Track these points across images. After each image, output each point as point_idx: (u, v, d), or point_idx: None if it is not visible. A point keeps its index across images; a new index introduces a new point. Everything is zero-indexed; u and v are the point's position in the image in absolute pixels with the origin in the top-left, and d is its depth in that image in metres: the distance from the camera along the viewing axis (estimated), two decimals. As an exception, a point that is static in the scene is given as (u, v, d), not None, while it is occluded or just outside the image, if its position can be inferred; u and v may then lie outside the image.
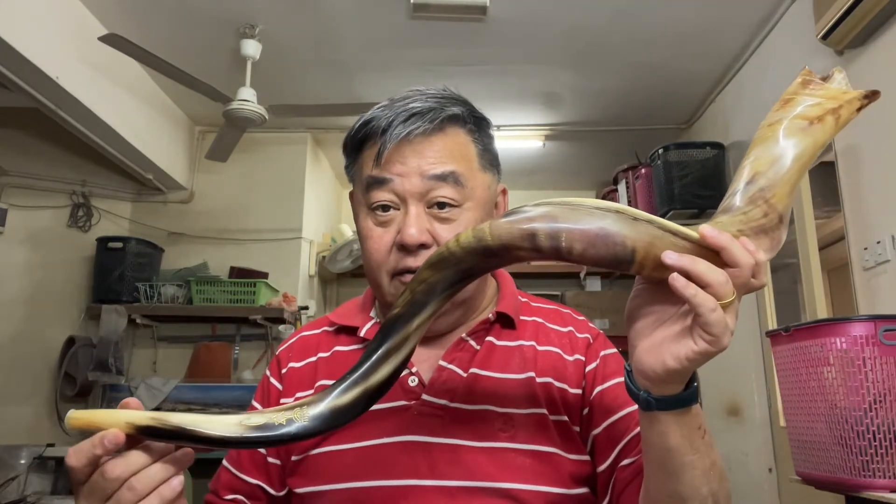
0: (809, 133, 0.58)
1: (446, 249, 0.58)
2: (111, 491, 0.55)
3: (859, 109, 0.60)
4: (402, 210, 0.78)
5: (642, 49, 2.85)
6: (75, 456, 0.56)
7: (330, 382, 0.82)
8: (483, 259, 0.57)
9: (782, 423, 2.18)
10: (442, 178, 0.78)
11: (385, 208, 0.79)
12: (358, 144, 0.83)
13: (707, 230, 0.54)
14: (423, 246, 0.77)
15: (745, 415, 2.89)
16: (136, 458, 0.56)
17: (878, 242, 1.95)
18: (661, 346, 0.57)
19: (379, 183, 0.78)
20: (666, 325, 0.57)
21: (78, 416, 0.56)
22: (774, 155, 0.57)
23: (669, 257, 0.52)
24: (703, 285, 0.52)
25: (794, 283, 2.57)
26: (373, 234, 0.80)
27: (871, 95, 0.61)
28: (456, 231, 0.78)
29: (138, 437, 0.56)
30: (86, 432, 0.56)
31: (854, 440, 1.40)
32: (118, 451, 0.56)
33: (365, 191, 0.80)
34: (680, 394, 0.58)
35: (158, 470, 0.57)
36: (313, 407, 0.58)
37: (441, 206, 0.78)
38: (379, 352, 0.60)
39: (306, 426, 0.57)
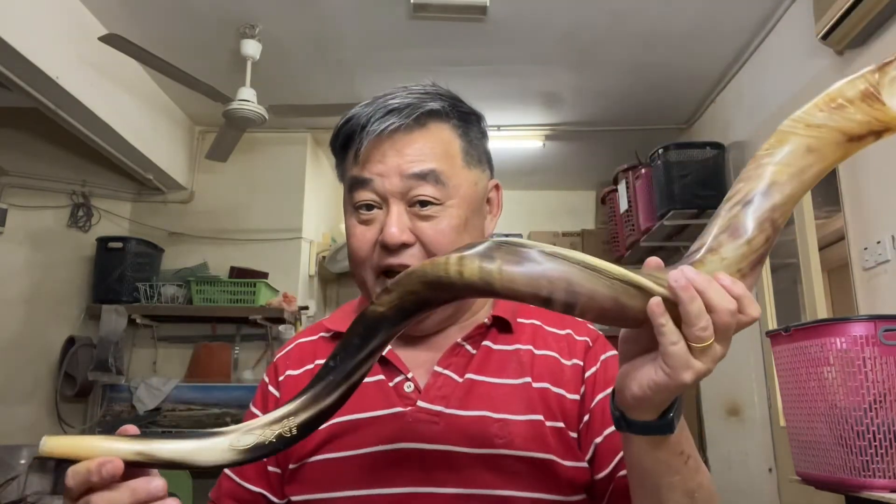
0: (842, 149, 0.52)
1: (446, 275, 0.54)
2: None
3: None
4: (385, 209, 0.78)
5: (642, 49, 2.85)
6: (73, 477, 0.54)
7: None
8: (481, 294, 0.55)
9: (782, 423, 2.18)
10: (421, 176, 0.77)
11: (368, 207, 0.79)
12: (342, 143, 0.83)
13: (686, 274, 0.51)
14: (405, 245, 0.77)
15: (745, 415, 2.89)
16: (122, 498, 0.54)
17: (878, 242, 1.95)
18: (635, 371, 0.57)
19: (360, 183, 0.78)
20: (648, 353, 0.57)
21: (56, 443, 0.53)
22: (801, 165, 0.52)
23: (677, 281, 0.51)
24: (684, 323, 0.51)
25: (794, 283, 2.57)
26: (356, 231, 0.80)
27: None
28: (438, 230, 0.77)
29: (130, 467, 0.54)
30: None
31: (854, 440, 1.40)
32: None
33: (349, 190, 0.81)
34: (651, 422, 0.58)
35: None
36: (300, 416, 0.58)
37: (423, 204, 0.78)
38: (364, 351, 0.59)
39: (296, 435, 0.57)
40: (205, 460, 0.55)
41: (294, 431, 0.57)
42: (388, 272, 0.78)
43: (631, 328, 0.55)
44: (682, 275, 0.51)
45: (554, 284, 0.51)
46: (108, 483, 0.53)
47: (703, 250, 0.54)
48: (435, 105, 0.79)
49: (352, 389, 0.59)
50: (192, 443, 0.55)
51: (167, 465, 0.54)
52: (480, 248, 0.54)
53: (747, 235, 0.52)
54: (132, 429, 0.57)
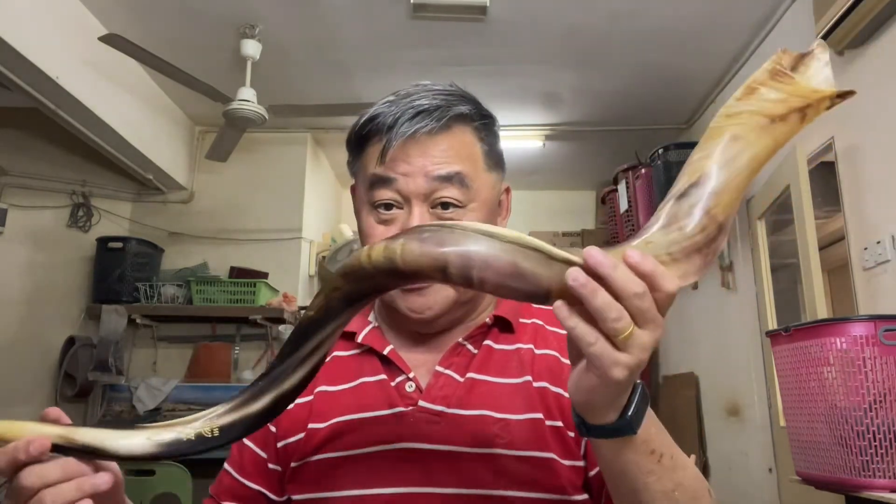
0: (769, 132, 0.52)
1: (358, 261, 0.54)
2: (24, 499, 0.56)
3: (829, 107, 0.54)
4: (406, 210, 0.77)
5: (642, 49, 2.85)
6: (2, 456, 0.56)
7: (331, 388, 0.82)
8: (393, 279, 0.54)
9: (782, 423, 2.18)
10: (447, 178, 0.76)
11: (388, 207, 0.78)
12: (362, 140, 0.81)
13: (592, 256, 0.49)
14: None
15: (745, 415, 2.89)
16: (52, 471, 0.56)
17: (878, 242, 1.95)
18: (577, 375, 0.55)
19: (383, 181, 0.77)
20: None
21: None
22: (729, 155, 0.52)
23: (575, 280, 0.49)
24: (596, 319, 0.49)
25: (794, 283, 2.57)
26: (374, 231, 0.79)
27: (845, 95, 0.53)
28: None
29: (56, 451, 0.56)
30: None
31: (854, 440, 1.40)
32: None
33: (368, 188, 0.79)
34: (608, 424, 0.56)
35: (71, 489, 0.56)
36: (224, 417, 0.57)
37: (445, 206, 0.77)
38: (293, 356, 0.58)
39: (217, 437, 0.57)
40: (120, 448, 0.56)
41: (216, 433, 0.57)
42: None
43: (541, 304, 0.52)
44: (579, 272, 0.49)
45: (448, 253, 0.51)
46: (34, 460, 0.55)
47: (637, 239, 0.52)
48: (463, 108, 0.79)
49: (284, 397, 0.58)
50: (112, 431, 0.57)
51: (84, 449, 0.56)
52: (396, 233, 0.55)
53: (679, 223, 0.51)
54: (54, 412, 0.58)
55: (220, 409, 0.58)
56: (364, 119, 0.80)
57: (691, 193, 0.51)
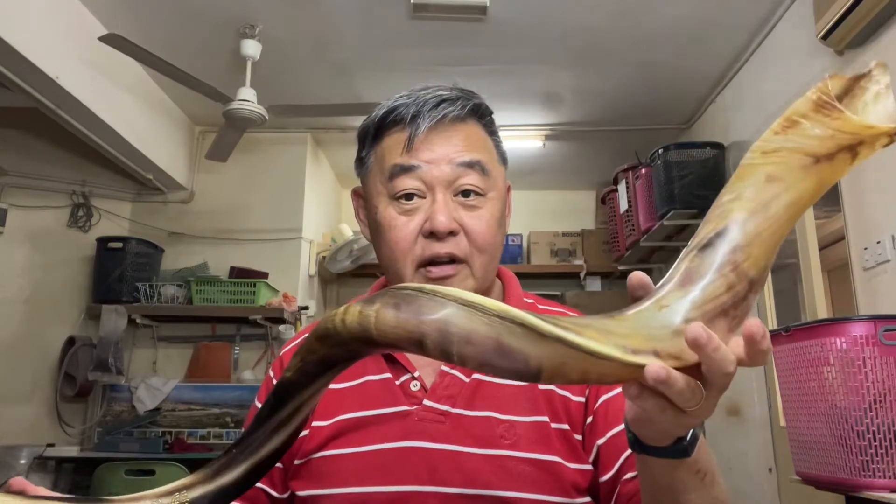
0: (813, 173, 0.44)
1: (332, 326, 0.49)
2: None
3: (887, 145, 0.44)
4: (429, 198, 0.79)
5: (642, 49, 2.85)
6: None
7: (335, 386, 0.82)
8: (367, 346, 0.49)
9: (782, 423, 2.18)
10: (470, 165, 0.79)
11: (409, 197, 0.79)
12: (379, 132, 0.82)
13: (696, 337, 0.42)
14: (452, 233, 0.78)
15: (745, 415, 2.89)
16: None
17: (878, 242, 1.95)
18: (633, 414, 0.54)
19: (406, 170, 0.78)
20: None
21: None
22: (763, 198, 0.45)
23: (654, 375, 0.43)
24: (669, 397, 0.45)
25: (794, 283, 2.57)
26: (396, 222, 0.79)
27: None
28: (483, 219, 0.80)
29: None
30: None
31: (854, 440, 1.40)
32: None
33: (388, 179, 0.80)
34: (667, 447, 0.55)
35: None
36: (194, 490, 0.52)
37: (466, 194, 0.79)
38: (272, 422, 0.54)
39: None
40: None
41: None
42: (432, 262, 0.78)
43: (531, 382, 0.47)
44: (659, 369, 0.43)
45: (424, 325, 0.45)
46: None
47: (648, 301, 0.46)
48: (480, 101, 0.83)
49: (261, 466, 0.54)
50: None
51: None
52: (371, 294, 0.49)
53: (702, 282, 0.44)
54: (18, 482, 0.56)
55: (192, 478, 0.53)
56: (382, 111, 0.82)
57: (717, 244, 0.45)
